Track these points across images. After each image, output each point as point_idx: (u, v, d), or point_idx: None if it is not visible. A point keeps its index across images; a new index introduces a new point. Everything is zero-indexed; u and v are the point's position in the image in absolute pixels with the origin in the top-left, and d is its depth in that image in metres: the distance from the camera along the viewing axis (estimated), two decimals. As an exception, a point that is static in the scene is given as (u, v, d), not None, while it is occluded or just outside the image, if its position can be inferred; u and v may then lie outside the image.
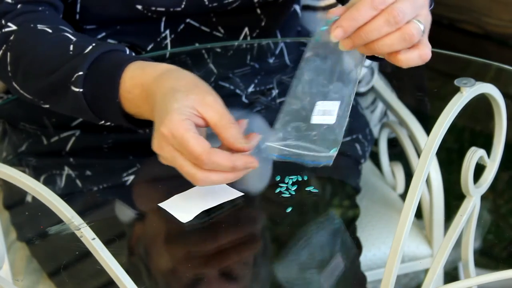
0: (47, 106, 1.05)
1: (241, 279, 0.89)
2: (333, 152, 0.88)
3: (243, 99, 1.22)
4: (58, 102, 1.03)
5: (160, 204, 0.94)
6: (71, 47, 1.01)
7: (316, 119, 0.91)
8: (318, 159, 0.89)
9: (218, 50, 1.26)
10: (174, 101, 0.91)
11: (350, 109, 0.91)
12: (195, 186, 0.93)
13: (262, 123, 1.20)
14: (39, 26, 1.04)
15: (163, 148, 0.90)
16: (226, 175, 0.90)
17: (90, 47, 1.00)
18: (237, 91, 1.22)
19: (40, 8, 1.08)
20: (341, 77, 0.95)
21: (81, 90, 0.97)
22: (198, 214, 0.93)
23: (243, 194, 0.94)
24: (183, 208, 0.93)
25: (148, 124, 0.97)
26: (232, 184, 0.95)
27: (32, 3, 1.08)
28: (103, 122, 1.01)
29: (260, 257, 0.92)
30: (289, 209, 0.94)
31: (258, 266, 0.90)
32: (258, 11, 1.25)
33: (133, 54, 1.03)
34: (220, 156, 0.88)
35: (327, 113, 0.93)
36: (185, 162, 0.89)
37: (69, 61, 0.99)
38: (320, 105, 0.93)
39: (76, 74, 0.97)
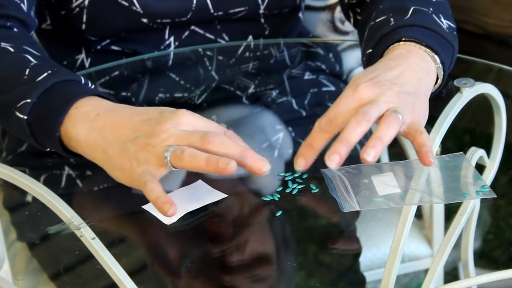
0: None
1: (227, 281, 0.89)
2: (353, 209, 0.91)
3: (244, 100, 1.22)
4: (3, 123, 1.00)
5: (143, 206, 0.93)
6: (27, 71, 0.98)
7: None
8: (345, 206, 0.92)
9: (219, 51, 1.26)
10: (161, 110, 0.91)
11: None
12: (183, 186, 0.93)
13: (263, 124, 1.20)
14: (2, 44, 1.02)
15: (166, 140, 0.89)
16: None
17: (45, 74, 0.97)
18: (237, 92, 1.23)
19: (8, 24, 1.06)
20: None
21: (25, 117, 0.95)
22: (183, 216, 0.92)
23: (227, 196, 0.94)
24: None
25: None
26: (217, 186, 0.95)
27: (2, 17, 1.06)
28: (47, 149, 0.99)
29: (246, 259, 0.91)
30: (278, 213, 0.94)
31: (244, 268, 0.90)
32: (263, 21, 1.25)
33: (89, 83, 1.00)
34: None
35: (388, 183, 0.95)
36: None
37: (21, 86, 0.97)
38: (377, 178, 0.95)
39: (24, 101, 0.95)
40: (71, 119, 0.94)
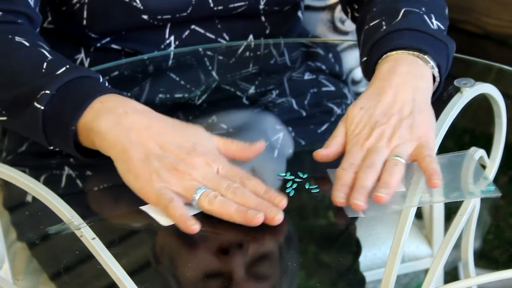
0: (3, 119, 1.02)
1: (228, 281, 0.89)
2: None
3: (244, 100, 1.22)
4: (15, 116, 1.00)
5: (141, 207, 0.94)
6: (45, 65, 0.99)
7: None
8: (349, 211, 0.93)
9: (219, 51, 1.26)
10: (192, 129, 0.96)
11: None
12: None
13: (263, 124, 1.20)
14: (17, 38, 1.03)
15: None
16: None
17: (64, 68, 0.98)
18: (238, 93, 1.23)
19: (19, 21, 1.07)
20: None
21: (42, 107, 0.95)
22: None
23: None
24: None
25: (96, 155, 0.97)
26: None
27: (13, 13, 1.06)
28: (51, 147, 0.99)
29: (247, 259, 0.91)
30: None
31: (245, 268, 0.90)
32: (263, 18, 1.25)
33: (106, 83, 1.01)
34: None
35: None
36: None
37: (39, 78, 0.97)
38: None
39: (43, 92, 0.95)
40: (95, 112, 0.95)
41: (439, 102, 1.03)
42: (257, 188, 0.92)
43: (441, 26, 1.07)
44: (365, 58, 1.06)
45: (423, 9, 1.07)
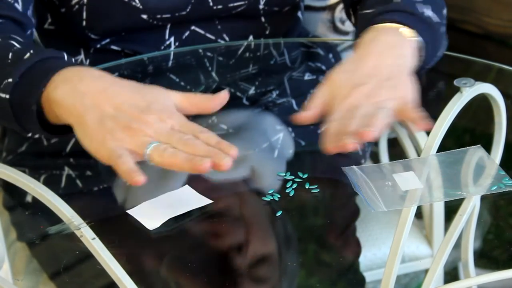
0: None
1: (228, 281, 0.89)
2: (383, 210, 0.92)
3: (244, 101, 1.22)
4: None
5: (128, 211, 0.94)
6: (10, 55, 0.98)
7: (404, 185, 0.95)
8: (373, 206, 0.92)
9: (219, 52, 1.26)
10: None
11: None
12: (168, 192, 0.94)
13: (263, 124, 1.20)
14: None
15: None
16: None
17: (28, 54, 0.97)
18: (238, 93, 1.23)
19: (1, 21, 1.06)
20: None
21: (7, 96, 0.95)
22: (166, 222, 0.92)
23: (212, 201, 0.94)
24: (151, 215, 0.93)
25: (66, 132, 0.97)
26: (217, 186, 0.95)
27: None
28: (29, 134, 0.99)
29: (247, 259, 0.91)
30: (279, 213, 0.93)
31: (245, 268, 0.90)
32: (263, 19, 1.25)
33: (72, 60, 1.00)
34: None
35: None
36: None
37: (4, 68, 0.97)
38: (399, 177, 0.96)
39: (6, 81, 0.95)
40: (53, 84, 0.94)
41: (439, 102, 1.03)
42: (209, 139, 0.90)
43: (436, 17, 1.07)
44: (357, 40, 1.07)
45: (419, 0, 1.07)
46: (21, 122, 0.96)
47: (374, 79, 0.97)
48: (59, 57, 0.98)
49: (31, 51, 0.97)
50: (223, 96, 0.95)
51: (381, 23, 1.03)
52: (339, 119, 0.93)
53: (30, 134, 0.99)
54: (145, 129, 0.90)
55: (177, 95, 0.95)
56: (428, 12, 1.06)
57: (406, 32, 1.02)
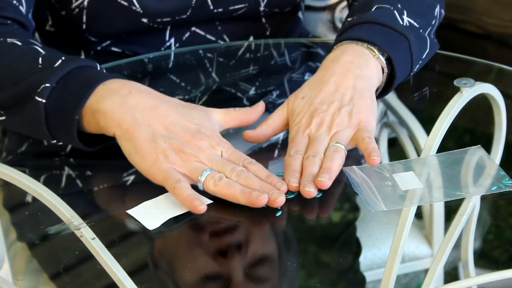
0: (2, 118, 1.03)
1: (228, 281, 0.89)
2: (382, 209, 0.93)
3: (244, 101, 1.22)
4: (16, 114, 1.01)
5: (128, 211, 0.94)
6: (40, 60, 0.99)
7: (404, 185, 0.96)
8: (373, 206, 0.93)
9: (219, 52, 1.26)
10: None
11: None
12: (168, 192, 0.94)
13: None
14: (9, 40, 1.03)
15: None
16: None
17: (60, 61, 0.98)
18: (238, 94, 1.23)
19: (9, 22, 1.07)
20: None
21: (44, 100, 0.96)
22: (166, 222, 0.92)
23: (212, 201, 0.94)
24: (151, 215, 0.93)
25: (101, 142, 0.99)
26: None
27: (2, 18, 1.07)
28: (54, 141, 1.00)
29: (246, 259, 0.91)
30: (278, 213, 0.93)
31: (245, 268, 0.90)
32: (263, 20, 1.25)
33: (104, 70, 1.02)
34: None
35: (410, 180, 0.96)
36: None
37: (37, 73, 0.98)
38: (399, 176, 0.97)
39: (43, 86, 0.96)
40: (99, 94, 0.96)
41: (439, 102, 1.03)
42: (259, 172, 0.94)
43: (414, 23, 1.08)
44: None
45: (399, 5, 1.08)
46: (52, 129, 0.97)
47: (331, 107, 0.99)
48: (93, 67, 1.00)
49: (62, 58, 0.98)
50: (261, 109, 1.03)
51: (347, 40, 1.05)
52: (299, 152, 0.97)
53: (54, 141, 1.00)
54: (198, 155, 0.94)
55: (219, 112, 1.00)
56: (408, 18, 1.07)
57: (371, 50, 1.03)
